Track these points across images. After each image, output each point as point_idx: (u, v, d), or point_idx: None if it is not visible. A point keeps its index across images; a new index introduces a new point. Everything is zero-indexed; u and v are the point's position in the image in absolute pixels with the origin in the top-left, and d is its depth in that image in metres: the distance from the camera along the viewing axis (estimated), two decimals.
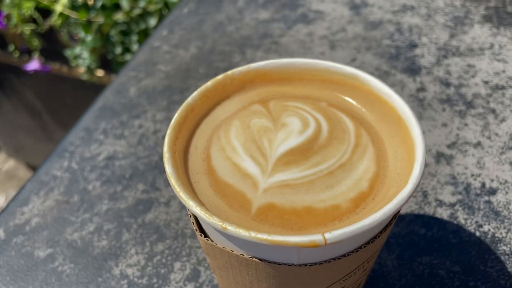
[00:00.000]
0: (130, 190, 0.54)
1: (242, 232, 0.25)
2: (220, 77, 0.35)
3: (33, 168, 2.19)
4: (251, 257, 0.28)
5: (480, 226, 0.48)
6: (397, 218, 0.30)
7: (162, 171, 0.56)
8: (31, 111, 1.86)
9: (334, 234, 0.25)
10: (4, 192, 2.17)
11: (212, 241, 0.30)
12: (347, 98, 0.36)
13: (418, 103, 0.61)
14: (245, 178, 0.30)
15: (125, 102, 0.66)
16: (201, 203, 0.28)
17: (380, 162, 0.31)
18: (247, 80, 0.36)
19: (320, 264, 0.28)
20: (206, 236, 0.30)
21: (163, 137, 0.60)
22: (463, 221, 0.48)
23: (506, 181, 0.51)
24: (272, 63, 0.36)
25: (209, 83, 0.35)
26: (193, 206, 0.27)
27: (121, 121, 0.63)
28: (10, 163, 2.29)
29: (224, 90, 0.35)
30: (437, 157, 0.54)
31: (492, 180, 0.52)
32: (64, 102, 1.73)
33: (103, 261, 0.48)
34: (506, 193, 0.50)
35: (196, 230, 0.30)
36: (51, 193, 0.55)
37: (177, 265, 0.47)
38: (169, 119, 0.63)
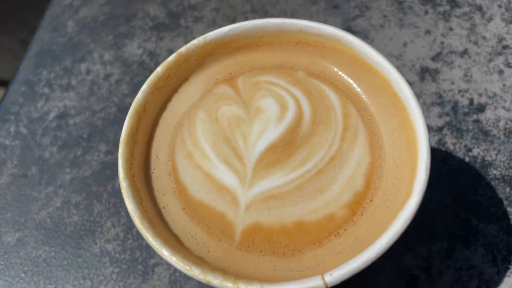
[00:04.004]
0: (92, 153, 0.49)
1: (231, 286, 0.22)
2: (171, 58, 0.28)
3: None
4: None
5: (469, 150, 0.45)
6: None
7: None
8: None
9: (335, 276, 0.21)
10: None
11: None
12: (328, 65, 0.30)
13: (398, 7, 0.54)
14: (222, 192, 0.26)
15: (64, 42, 0.57)
16: (175, 239, 0.24)
17: (375, 149, 0.27)
18: (207, 53, 0.30)
19: None
20: None
21: (117, 82, 0.53)
22: (451, 147, 0.46)
23: (495, 94, 0.48)
24: (234, 28, 0.29)
25: (159, 69, 0.28)
26: (168, 256, 0.23)
27: (65, 67, 0.55)
28: None
29: (179, 74, 0.29)
30: (422, 74, 0.50)
31: (480, 95, 0.48)
32: None
33: (79, 239, 0.45)
34: (495, 108, 0.47)
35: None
36: (4, 166, 0.50)
37: None
38: (120, 58, 0.55)
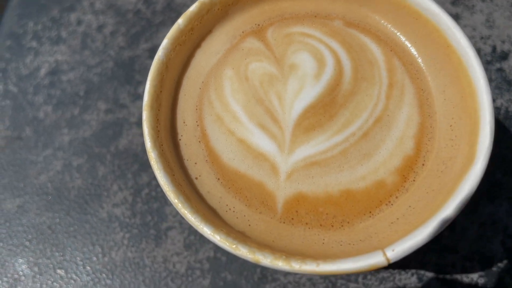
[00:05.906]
0: (91, 112, 0.46)
1: (282, 265, 0.20)
2: (193, 8, 0.25)
3: None
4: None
5: (493, 101, 0.43)
6: None
7: (123, 81, 0.47)
8: None
9: (398, 251, 0.20)
10: None
11: None
12: (368, 13, 0.26)
13: None
14: (259, 160, 0.23)
15: None
16: (213, 214, 0.22)
17: (424, 107, 0.25)
18: (231, 1, 0.26)
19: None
20: None
21: (112, 33, 0.49)
22: None
23: None
24: None
25: (180, 21, 0.24)
26: (210, 235, 0.20)
27: (53, 18, 0.50)
28: None
29: (202, 26, 0.26)
30: None
31: (503, 42, 0.45)
32: None
33: (84, 204, 0.42)
34: None
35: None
36: None
37: None
38: (113, 7, 0.50)
